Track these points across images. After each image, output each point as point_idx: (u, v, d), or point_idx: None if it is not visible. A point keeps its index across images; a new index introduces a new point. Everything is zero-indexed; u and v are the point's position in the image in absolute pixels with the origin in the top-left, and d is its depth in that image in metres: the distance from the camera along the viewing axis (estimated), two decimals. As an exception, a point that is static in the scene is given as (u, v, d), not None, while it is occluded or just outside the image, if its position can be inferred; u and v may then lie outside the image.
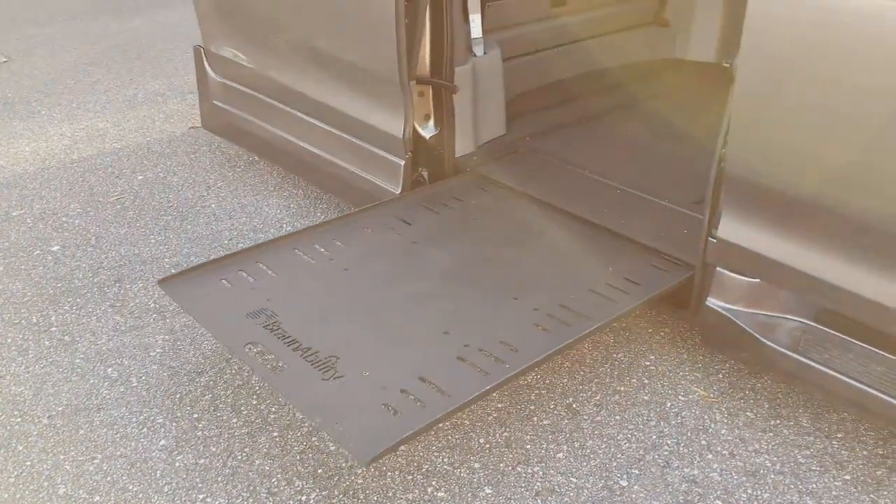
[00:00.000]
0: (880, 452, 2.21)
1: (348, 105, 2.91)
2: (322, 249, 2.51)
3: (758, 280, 2.19)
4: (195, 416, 2.30)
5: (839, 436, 2.27)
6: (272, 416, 2.29)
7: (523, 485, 2.09)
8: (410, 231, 2.61)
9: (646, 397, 2.38)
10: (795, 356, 2.12)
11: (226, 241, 3.15)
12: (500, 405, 2.34)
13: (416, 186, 2.89)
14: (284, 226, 3.27)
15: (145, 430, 2.26)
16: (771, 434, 2.27)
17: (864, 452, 2.21)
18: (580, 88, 3.60)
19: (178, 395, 2.38)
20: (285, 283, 2.35)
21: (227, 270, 2.40)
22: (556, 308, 2.22)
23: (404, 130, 2.73)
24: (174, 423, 2.28)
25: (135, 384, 2.43)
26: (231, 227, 3.26)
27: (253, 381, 2.41)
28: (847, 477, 2.13)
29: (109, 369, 2.49)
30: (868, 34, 1.73)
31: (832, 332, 2.11)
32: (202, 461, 2.16)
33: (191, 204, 3.45)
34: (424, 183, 2.92)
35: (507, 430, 2.26)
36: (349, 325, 2.17)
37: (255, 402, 2.35)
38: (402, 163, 2.78)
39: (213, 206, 3.44)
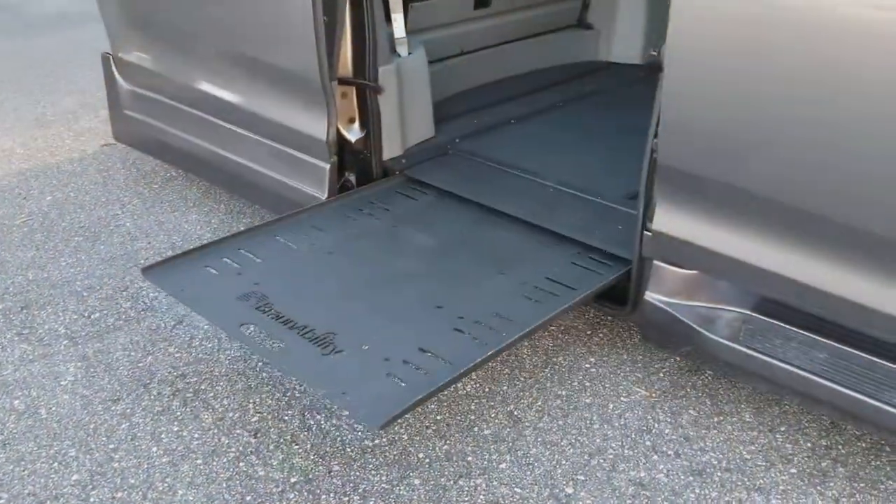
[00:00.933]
0: (824, 444, 2.19)
1: (269, 109, 2.79)
2: (303, 235, 2.53)
3: (695, 272, 2.15)
4: (111, 446, 2.14)
5: (782, 429, 2.24)
6: (195, 443, 2.15)
7: (466, 499, 1.99)
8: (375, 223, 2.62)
9: (588, 400, 2.32)
10: (738, 347, 2.08)
11: (142, 261, 2.98)
12: (438, 417, 2.24)
13: (343, 191, 2.78)
14: (206, 241, 3.11)
15: (56, 464, 2.09)
16: (715, 431, 2.22)
17: (808, 444, 2.18)
18: (508, 91, 3.58)
19: (91, 426, 2.21)
20: (272, 268, 2.36)
21: (210, 258, 2.38)
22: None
23: (328, 133, 2.63)
24: (88, 456, 2.11)
25: (44, 416, 2.25)
26: (148, 246, 3.09)
27: (174, 406, 2.27)
28: (793, 470, 2.10)
29: (16, 401, 2.30)
30: (791, 21, 1.71)
31: (773, 321, 2.08)
32: (119, 495, 1.99)
33: (104, 223, 3.27)
34: (351, 188, 2.81)
35: (447, 442, 2.16)
36: (342, 303, 2.19)
37: (176, 429, 2.19)
38: (328, 167, 2.68)
39: (129, 224, 3.26)
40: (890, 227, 1.77)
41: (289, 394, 2.32)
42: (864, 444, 2.18)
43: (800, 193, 1.87)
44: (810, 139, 1.79)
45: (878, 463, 2.13)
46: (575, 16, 4.00)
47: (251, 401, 2.30)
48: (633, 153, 2.93)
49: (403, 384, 1.86)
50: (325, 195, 2.71)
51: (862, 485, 2.06)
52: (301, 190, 2.77)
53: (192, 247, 2.47)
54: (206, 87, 3.00)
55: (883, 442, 2.19)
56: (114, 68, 3.41)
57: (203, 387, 2.36)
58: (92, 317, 2.68)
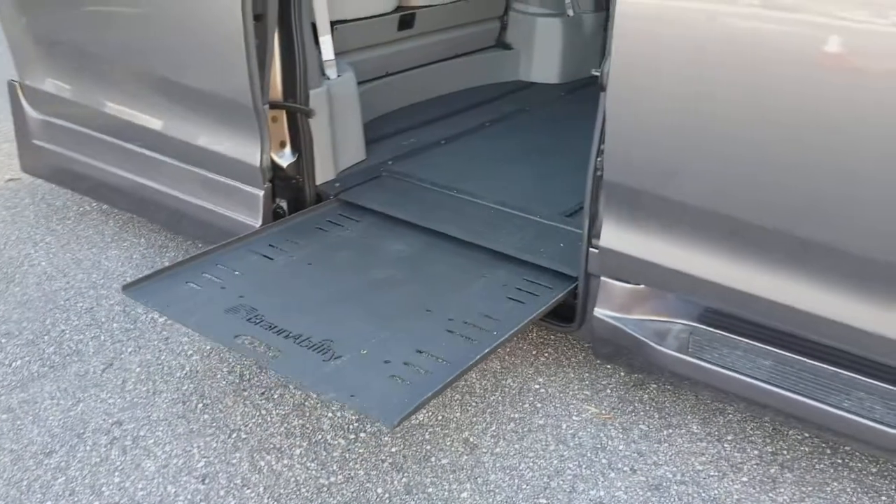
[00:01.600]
0: (769, 450, 2.24)
1: (197, 135, 2.69)
2: (280, 248, 2.53)
3: (642, 286, 2.18)
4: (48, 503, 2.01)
5: (729, 438, 2.29)
6: (140, 494, 2.03)
7: (431, 532, 1.95)
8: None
9: (541, 421, 2.31)
10: (687, 358, 2.12)
11: (62, 302, 2.82)
12: (393, 449, 2.20)
13: (276, 219, 2.71)
14: (128, 278, 2.97)
15: (-16, 529, 1.95)
16: (666, 444, 2.25)
17: (755, 452, 2.24)
18: (434, 112, 3.58)
19: (24, 482, 2.06)
20: (254, 281, 2.36)
21: (189, 273, 2.36)
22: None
23: (261, 158, 2.55)
24: (20, 517, 1.97)
25: (-34, 477, 2.09)
26: (67, 286, 2.93)
27: (113, 456, 2.14)
28: (744, 479, 2.14)
29: (-68, 463, 2.14)
30: (726, 42, 1.76)
31: (718, 331, 2.12)
32: (59, 557, 1.87)
33: (17, 264, 3.08)
34: (283, 215, 2.74)
35: (405, 475, 2.11)
36: (332, 311, 2.21)
37: (117, 480, 2.07)
38: (261, 193, 2.61)
39: (44, 263, 3.08)
40: (824, 233, 1.84)
41: (234, 435, 2.23)
42: (806, 448, 2.25)
43: (740, 205, 1.92)
44: (747, 153, 1.84)
45: (821, 466, 2.20)
46: (494, 36, 4.05)
47: (195, 445, 2.19)
48: (564, 171, 3.02)
49: (408, 384, 1.91)
50: (260, 222, 2.63)
51: (809, 488, 2.12)
52: (233, 218, 2.68)
53: (151, 271, 2.40)
54: (126, 114, 2.87)
55: (823, 445, 2.26)
56: (21, 96, 3.22)
57: (142, 433, 2.24)
58: (13, 365, 2.51)
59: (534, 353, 2.62)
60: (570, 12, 3.99)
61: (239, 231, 2.64)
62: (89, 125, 3.03)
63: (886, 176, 1.71)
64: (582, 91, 4.01)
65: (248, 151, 2.57)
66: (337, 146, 2.87)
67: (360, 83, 3.02)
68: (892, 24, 1.61)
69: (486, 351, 2.04)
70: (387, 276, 2.40)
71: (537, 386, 2.46)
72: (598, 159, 2.09)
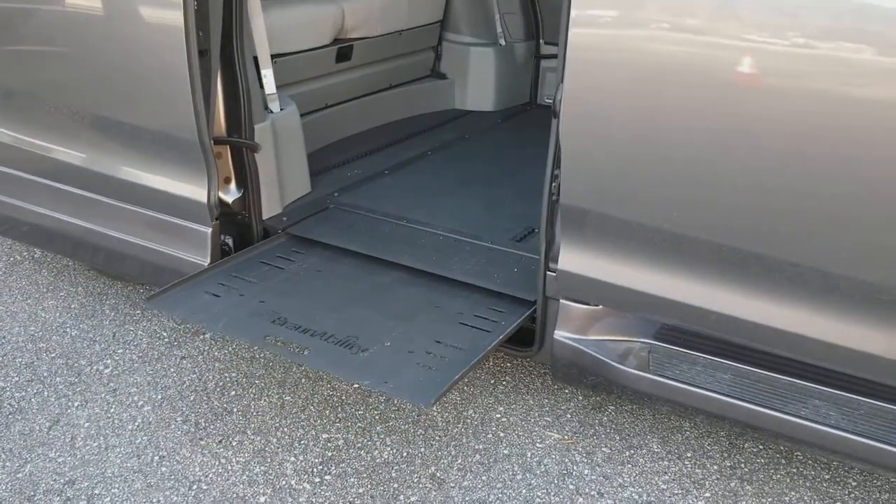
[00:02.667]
0: (728, 464, 2.29)
1: (141, 175, 2.62)
2: (289, 258, 2.61)
3: (601, 307, 2.21)
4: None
5: (689, 455, 2.33)
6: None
7: (406, 572, 1.93)
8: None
9: (506, 451, 2.31)
10: (648, 376, 2.15)
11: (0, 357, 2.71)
12: (360, 489, 2.16)
13: (223, 256, 2.65)
14: (69, 329, 2.87)
15: None
16: (629, 465, 2.28)
17: (715, 467, 2.28)
18: (375, 142, 3.58)
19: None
20: (270, 287, 2.44)
21: (206, 285, 2.44)
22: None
23: (209, 195, 2.50)
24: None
25: None
26: (3, 341, 2.80)
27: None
28: (707, 495, 2.18)
29: None
30: (669, 69, 1.83)
31: (677, 348, 2.16)
32: None
33: (-57, 319, 2.95)
34: (229, 251, 2.69)
35: (376, 514, 2.09)
36: (352, 311, 2.32)
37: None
38: (209, 231, 2.55)
39: (-26, 317, 2.96)
40: (773, 247, 1.91)
41: (195, 487, 2.16)
42: (762, 460, 2.31)
43: (692, 224, 1.97)
44: (696, 173, 1.90)
45: (778, 476, 2.25)
46: (429, 66, 4.08)
47: (154, 500, 2.11)
48: (509, 197, 3.05)
49: (434, 370, 2.04)
50: (208, 260, 2.57)
51: (769, 499, 2.17)
52: (180, 257, 2.62)
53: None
54: (66, 156, 2.77)
55: (778, 455, 2.32)
56: None
57: (97, 491, 2.14)
58: (-50, 428, 2.40)
59: (492, 382, 2.62)
60: (502, 42, 4.06)
61: (186, 270, 2.58)
62: (26, 169, 2.92)
63: (832, 190, 1.78)
64: (517, 118, 4.07)
65: (194, 189, 2.52)
66: (282, 180, 2.84)
67: (301, 115, 3.01)
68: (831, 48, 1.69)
69: (501, 337, 2.18)
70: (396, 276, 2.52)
71: (498, 415, 2.46)
72: (553, 184, 2.12)
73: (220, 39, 2.44)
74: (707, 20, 1.78)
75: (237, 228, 2.73)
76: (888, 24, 1.65)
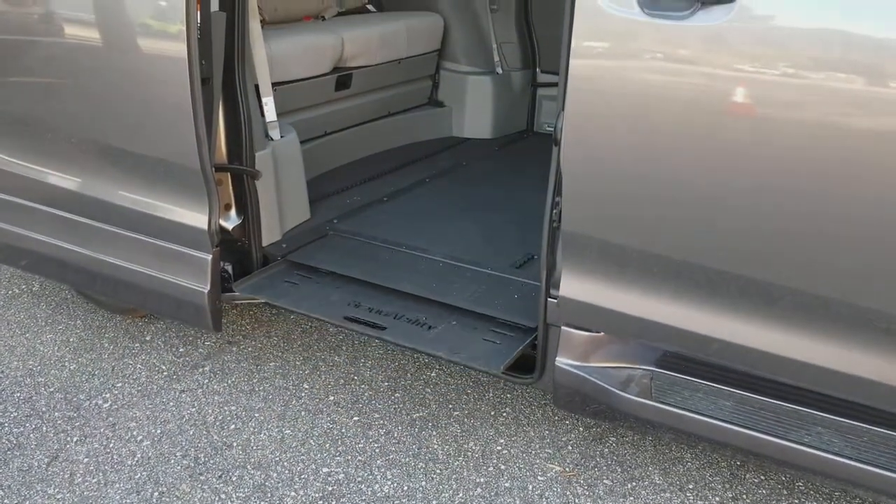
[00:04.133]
0: (730, 496, 2.27)
1: (140, 202, 2.62)
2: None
3: (602, 334, 2.20)
4: None
5: (690, 486, 2.31)
6: None
7: None
8: None
9: (507, 484, 2.30)
10: (651, 403, 2.13)
11: (-3, 392, 2.70)
12: (362, 524, 2.15)
13: (222, 283, 2.65)
14: (67, 363, 2.86)
15: None
16: (631, 498, 2.26)
17: (717, 499, 2.27)
18: (373, 169, 3.60)
19: None
20: (343, 278, 2.65)
21: (285, 275, 2.69)
22: None
23: (210, 222, 2.49)
24: None
25: None
26: (1, 376, 2.78)
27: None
28: (710, 526, 2.17)
29: None
30: (667, 98, 1.84)
31: (679, 375, 2.15)
32: None
33: (-58, 354, 2.94)
34: (229, 279, 2.70)
35: (378, 550, 2.07)
36: (417, 298, 2.52)
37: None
38: (210, 257, 2.55)
39: (-28, 351, 2.95)
40: (775, 274, 1.90)
41: (194, 522, 2.15)
42: (764, 491, 2.29)
43: (693, 250, 1.97)
44: (695, 200, 1.91)
45: (780, 508, 2.24)
46: (427, 94, 4.11)
47: (153, 536, 2.11)
48: (507, 223, 3.06)
49: (499, 343, 2.30)
50: (208, 287, 2.56)
51: (773, 530, 2.15)
52: (179, 284, 2.62)
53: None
54: (67, 183, 2.77)
55: (780, 486, 2.31)
56: None
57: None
58: (-53, 465, 2.38)
59: (492, 413, 2.61)
60: (499, 70, 4.09)
61: (187, 297, 2.58)
62: (26, 196, 2.91)
63: (830, 217, 1.79)
64: (514, 145, 4.08)
65: (195, 216, 2.53)
66: (282, 207, 2.85)
67: (301, 142, 3.03)
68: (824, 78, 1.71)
69: None
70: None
71: (499, 447, 2.45)
72: (554, 211, 2.12)
73: (222, 68, 2.46)
74: (700, 51, 1.80)
75: (236, 255, 2.73)
76: (877, 55, 1.66)
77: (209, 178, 2.44)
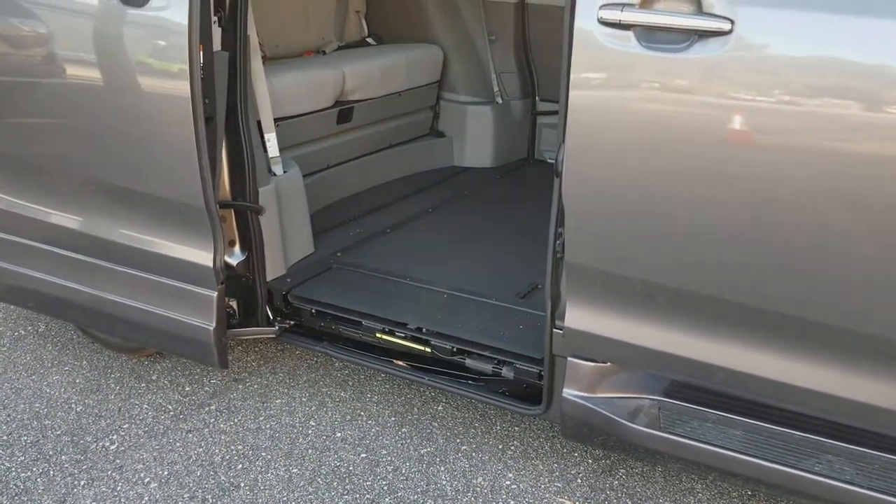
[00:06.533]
0: (742, 526, 2.25)
1: (144, 241, 2.63)
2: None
3: (609, 364, 2.19)
4: None
5: (702, 519, 2.29)
6: None
7: None
8: None
9: (517, 520, 2.28)
10: (660, 434, 2.12)
11: (4, 437, 2.67)
12: (370, 565, 2.13)
13: (228, 318, 2.65)
14: (74, 405, 2.86)
15: None
16: (643, 531, 2.24)
17: (728, 531, 2.24)
18: (376, 201, 3.61)
19: None
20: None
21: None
22: None
23: (215, 259, 2.50)
24: None
25: None
26: (8, 419, 2.79)
27: None
28: (723, 557, 2.14)
29: None
30: (667, 129, 1.85)
31: (687, 405, 2.13)
32: None
33: (-52, 397, 2.94)
34: (233, 315, 2.70)
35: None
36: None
37: None
38: (215, 294, 2.54)
39: (-21, 395, 2.94)
40: (780, 302, 1.90)
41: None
42: (775, 521, 2.27)
43: (698, 280, 1.97)
44: (699, 230, 1.91)
45: (792, 538, 2.21)
46: (427, 125, 4.13)
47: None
48: (511, 253, 3.06)
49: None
50: (214, 324, 2.55)
51: (784, 561, 2.13)
52: (186, 322, 2.60)
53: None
54: (69, 223, 2.78)
55: (790, 516, 2.29)
56: None
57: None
58: (-46, 512, 2.37)
59: (500, 447, 2.59)
60: (499, 100, 4.11)
61: (193, 335, 2.57)
62: (31, 236, 2.91)
63: (834, 245, 1.79)
64: (515, 173, 4.09)
65: (200, 253, 2.53)
66: (286, 241, 2.86)
67: (303, 176, 3.04)
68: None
69: None
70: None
71: (508, 482, 2.43)
72: (558, 241, 2.12)
73: (225, 106, 2.47)
74: (698, 82, 1.80)
75: (241, 291, 2.73)
76: (871, 81, 1.67)
77: (213, 216, 2.45)
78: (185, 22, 2.23)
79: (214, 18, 2.37)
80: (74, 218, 2.78)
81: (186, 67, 2.25)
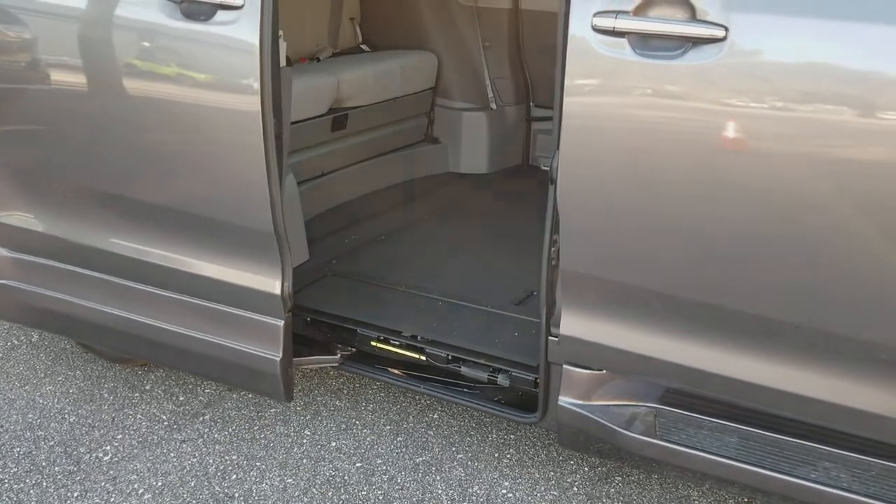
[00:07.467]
0: (738, 534, 2.24)
1: (204, 267, 2.50)
2: None
3: (604, 371, 2.18)
4: None
5: (699, 528, 2.28)
6: None
7: None
8: None
9: (513, 528, 2.27)
10: (656, 442, 2.11)
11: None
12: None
13: None
14: (67, 415, 2.84)
15: None
16: (639, 539, 2.23)
17: (726, 537, 2.23)
18: (370, 208, 3.60)
19: None
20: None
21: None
22: None
23: (283, 285, 2.37)
24: None
25: None
26: (1, 430, 2.74)
27: None
28: (720, 566, 2.13)
29: None
30: (662, 135, 1.85)
31: (682, 412, 2.13)
32: None
33: (-60, 409, 2.92)
34: None
35: None
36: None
37: None
38: (281, 324, 2.41)
39: (-29, 406, 2.93)
40: (775, 309, 1.90)
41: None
42: (771, 529, 2.26)
43: (694, 287, 1.97)
44: (693, 237, 1.90)
45: (791, 544, 2.20)
46: (422, 132, 4.12)
47: None
48: (506, 259, 3.05)
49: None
50: (280, 355, 2.43)
51: (782, 568, 2.12)
52: (248, 352, 2.48)
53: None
54: (121, 248, 2.63)
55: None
56: None
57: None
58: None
59: (496, 455, 2.58)
60: (494, 106, 4.11)
61: (254, 366, 2.47)
62: (75, 262, 2.77)
63: (829, 250, 1.78)
64: (510, 179, 4.09)
65: (265, 280, 2.39)
66: (282, 250, 2.84)
67: (297, 183, 3.03)
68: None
69: None
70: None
71: (504, 491, 2.42)
72: (553, 249, 2.11)
73: (289, 124, 2.39)
74: (692, 88, 1.80)
75: None
76: (864, 86, 1.67)
77: (282, 240, 2.33)
78: (256, 37, 2.11)
79: (280, 32, 2.23)
80: (124, 243, 2.64)
81: (257, 84, 2.12)
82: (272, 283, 2.38)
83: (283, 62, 2.30)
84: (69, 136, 2.58)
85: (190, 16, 2.20)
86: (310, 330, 2.71)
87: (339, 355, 2.63)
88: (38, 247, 2.85)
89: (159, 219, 2.53)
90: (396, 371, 2.61)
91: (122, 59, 2.37)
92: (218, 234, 2.43)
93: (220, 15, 2.16)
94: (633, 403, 2.21)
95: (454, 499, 2.39)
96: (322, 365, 2.65)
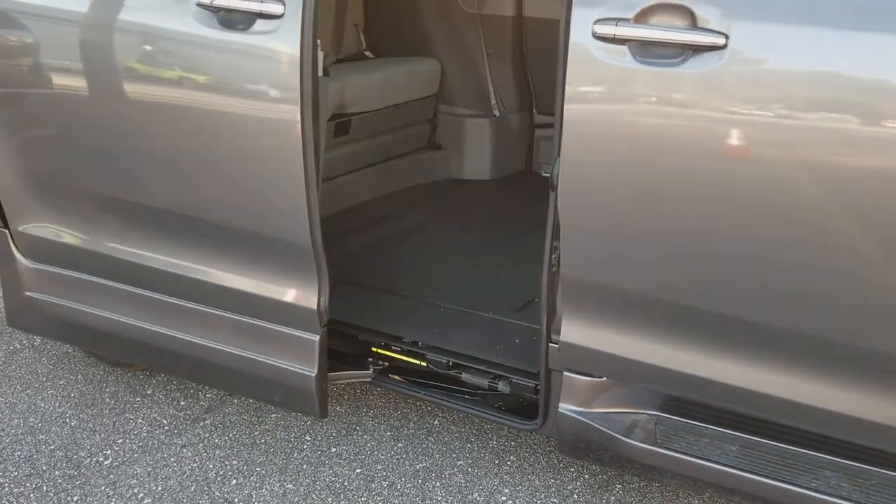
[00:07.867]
0: (740, 544, 2.24)
1: (238, 281, 2.46)
2: None
3: (604, 379, 2.18)
4: None
5: (699, 534, 2.27)
6: None
7: None
8: None
9: (512, 536, 2.27)
10: (656, 450, 2.11)
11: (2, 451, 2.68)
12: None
13: None
14: (68, 419, 2.84)
15: None
16: (640, 547, 2.22)
17: (727, 546, 2.23)
18: (374, 213, 3.60)
19: None
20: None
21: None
22: None
23: (319, 300, 2.32)
24: None
25: None
26: (2, 434, 2.75)
27: None
28: (722, 574, 2.12)
29: None
30: (662, 142, 1.85)
31: (683, 420, 2.12)
32: None
33: (-58, 413, 2.92)
34: None
35: None
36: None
37: None
38: (317, 339, 2.37)
39: (-27, 409, 2.93)
40: (777, 317, 1.90)
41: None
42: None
43: (694, 294, 1.97)
44: (693, 244, 1.91)
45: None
46: (425, 138, 4.12)
47: None
48: (508, 265, 3.06)
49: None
50: (316, 371, 2.39)
51: (784, 577, 2.11)
52: (282, 368, 2.44)
53: None
54: (153, 261, 2.58)
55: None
56: (11, 244, 2.88)
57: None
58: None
59: (496, 462, 2.57)
60: (496, 113, 4.11)
61: (288, 382, 2.44)
62: (102, 274, 2.73)
63: (830, 258, 1.79)
64: (512, 186, 4.09)
65: (301, 294, 2.36)
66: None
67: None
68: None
69: None
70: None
71: (504, 497, 2.41)
72: (553, 255, 2.11)
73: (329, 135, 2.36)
74: (693, 95, 1.80)
75: None
76: (865, 94, 1.67)
77: (319, 254, 2.29)
78: (296, 46, 2.07)
79: (318, 42, 2.17)
80: (157, 256, 2.60)
81: (296, 94, 2.08)
82: (309, 298, 2.34)
83: (320, 72, 2.25)
84: (102, 147, 2.53)
85: (227, 25, 2.16)
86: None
87: (371, 370, 2.58)
88: (64, 259, 2.79)
89: (192, 230, 2.49)
90: (431, 384, 2.56)
91: (158, 69, 2.34)
92: (254, 247, 2.39)
93: (259, 24, 2.12)
94: (634, 411, 2.20)
95: (454, 505, 2.39)
96: (355, 380, 2.60)
